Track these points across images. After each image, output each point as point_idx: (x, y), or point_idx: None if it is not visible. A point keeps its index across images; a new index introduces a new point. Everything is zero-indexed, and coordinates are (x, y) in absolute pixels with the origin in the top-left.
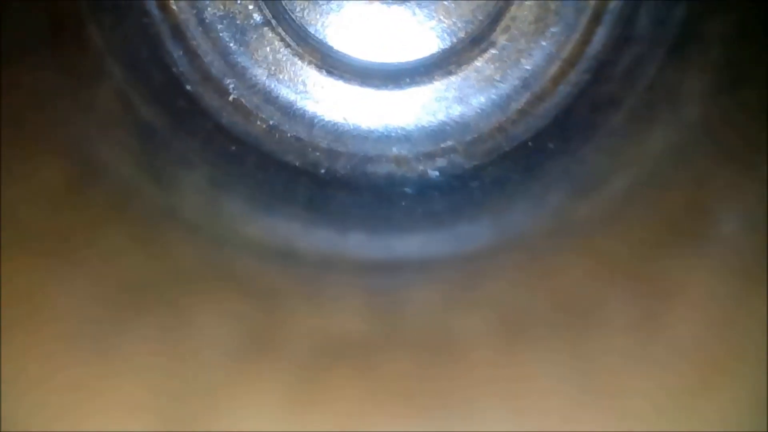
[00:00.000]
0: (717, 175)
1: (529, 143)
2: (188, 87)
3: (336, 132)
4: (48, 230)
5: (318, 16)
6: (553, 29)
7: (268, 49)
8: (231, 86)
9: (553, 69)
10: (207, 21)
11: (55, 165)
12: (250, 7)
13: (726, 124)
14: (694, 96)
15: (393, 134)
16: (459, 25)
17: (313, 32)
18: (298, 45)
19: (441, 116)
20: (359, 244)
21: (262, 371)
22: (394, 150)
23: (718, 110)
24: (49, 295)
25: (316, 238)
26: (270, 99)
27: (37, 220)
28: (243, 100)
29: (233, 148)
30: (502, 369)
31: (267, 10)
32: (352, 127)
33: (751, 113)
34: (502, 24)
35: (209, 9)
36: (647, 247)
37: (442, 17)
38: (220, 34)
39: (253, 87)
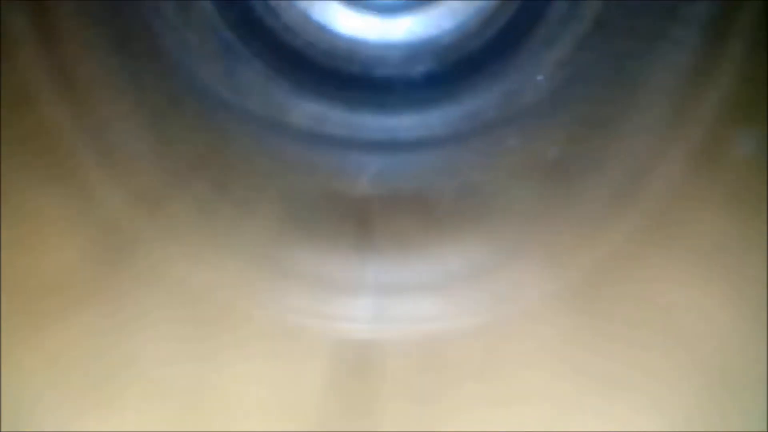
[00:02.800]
0: (607, 79)
1: (479, 55)
2: (254, 13)
3: (352, 45)
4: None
5: None
6: None
7: None
8: (282, 13)
9: (494, 8)
10: None
11: (156, 64)
12: None
13: (607, 42)
14: (583, 25)
15: (390, 48)
16: None
17: None
18: None
19: (423, 36)
20: (367, 123)
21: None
22: (391, 59)
23: (602, 32)
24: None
25: (336, 119)
26: (308, 22)
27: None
28: (289, 23)
29: (283, 55)
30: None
31: None
32: (363, 42)
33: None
34: None
35: None
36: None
37: None
38: None
39: (297, 14)
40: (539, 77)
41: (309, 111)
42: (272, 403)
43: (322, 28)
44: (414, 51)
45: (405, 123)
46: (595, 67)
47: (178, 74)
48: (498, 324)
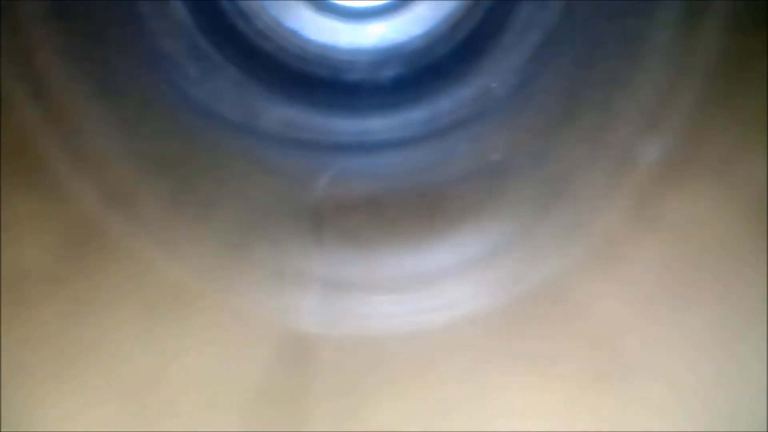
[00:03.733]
0: (571, 82)
1: (444, 59)
2: (227, 18)
3: (323, 50)
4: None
5: None
6: None
7: None
8: (255, 19)
9: (462, 12)
10: None
11: (129, 68)
12: None
13: (571, 48)
14: (546, 32)
15: (360, 53)
16: None
17: None
18: None
19: (391, 42)
20: (336, 126)
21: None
22: (360, 64)
23: (565, 39)
24: None
25: (305, 122)
26: (279, 27)
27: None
28: (262, 28)
29: (255, 59)
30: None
31: None
32: (333, 47)
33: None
34: None
35: None
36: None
37: None
38: None
39: (269, 19)
40: (493, 84)
41: (279, 114)
42: (216, 382)
43: (293, 34)
44: (383, 56)
45: (372, 126)
46: (559, 71)
47: (152, 78)
48: (441, 328)
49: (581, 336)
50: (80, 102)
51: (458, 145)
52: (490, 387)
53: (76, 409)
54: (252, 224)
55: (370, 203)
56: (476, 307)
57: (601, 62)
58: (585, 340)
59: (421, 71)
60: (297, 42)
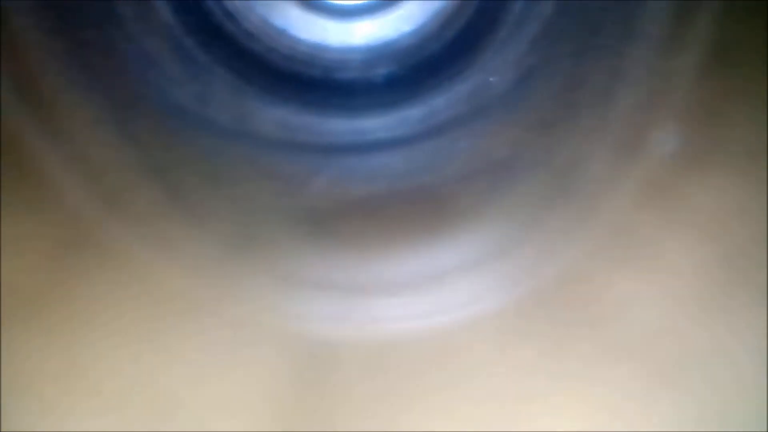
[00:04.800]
0: (565, 79)
1: (438, 56)
2: (214, 19)
3: (313, 50)
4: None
5: None
6: None
7: None
8: (243, 19)
9: (451, 11)
10: None
11: (114, 73)
12: None
13: (565, 42)
14: (539, 26)
15: (351, 52)
16: None
17: None
18: None
19: (382, 41)
20: (329, 126)
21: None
22: (352, 63)
23: (559, 32)
24: None
25: (297, 122)
26: (268, 28)
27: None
28: (250, 28)
29: (244, 60)
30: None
31: None
32: (323, 47)
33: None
34: None
35: None
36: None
37: None
38: None
39: (257, 19)
40: (491, 78)
41: (271, 116)
42: (229, 397)
43: (282, 33)
44: (374, 54)
45: (367, 125)
46: (558, 62)
47: (137, 81)
48: (452, 330)
49: (602, 338)
50: (67, 106)
51: (457, 143)
52: (513, 387)
53: (72, 420)
54: (248, 229)
55: (369, 205)
56: (486, 307)
57: (600, 50)
58: (605, 341)
59: (414, 68)
60: (286, 42)
